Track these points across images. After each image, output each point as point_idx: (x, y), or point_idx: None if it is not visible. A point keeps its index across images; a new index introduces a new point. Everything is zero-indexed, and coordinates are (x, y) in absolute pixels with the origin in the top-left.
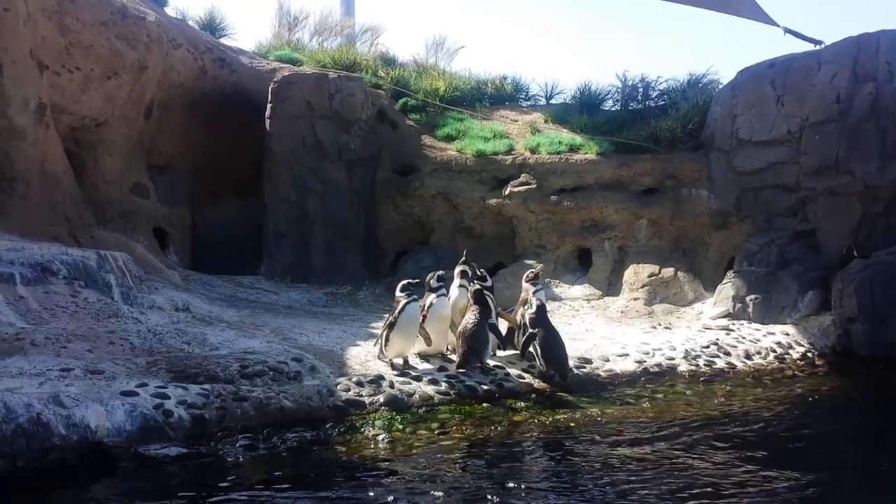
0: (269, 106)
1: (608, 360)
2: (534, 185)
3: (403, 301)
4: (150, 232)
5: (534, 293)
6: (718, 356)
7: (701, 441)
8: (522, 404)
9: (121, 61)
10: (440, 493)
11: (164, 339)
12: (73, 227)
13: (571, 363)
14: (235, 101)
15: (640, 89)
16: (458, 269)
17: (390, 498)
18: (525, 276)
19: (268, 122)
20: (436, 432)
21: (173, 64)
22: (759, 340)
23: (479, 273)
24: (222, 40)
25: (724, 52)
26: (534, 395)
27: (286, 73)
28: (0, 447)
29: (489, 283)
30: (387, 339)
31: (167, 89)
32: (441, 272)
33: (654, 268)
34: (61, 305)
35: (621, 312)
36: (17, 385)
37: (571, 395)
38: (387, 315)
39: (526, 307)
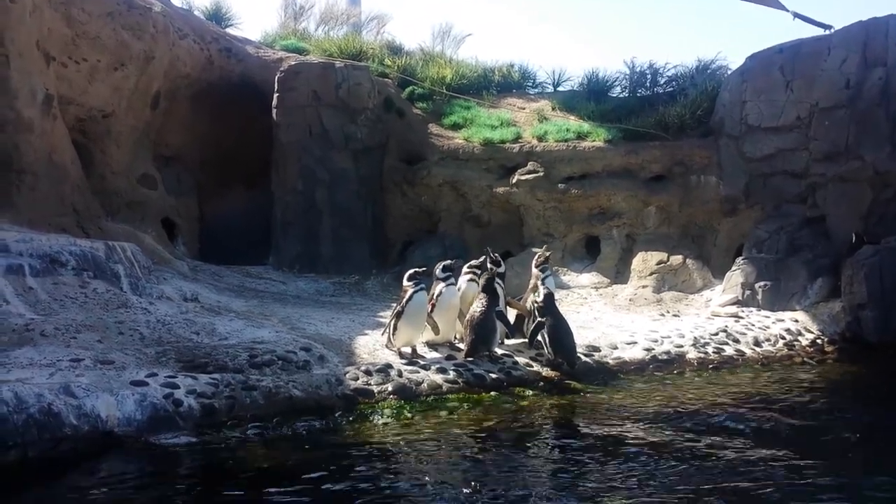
0: (275, 96)
1: (616, 348)
2: (541, 173)
3: (411, 290)
4: (157, 223)
5: (543, 280)
6: (727, 343)
7: (708, 428)
8: (531, 392)
9: (127, 52)
10: (449, 480)
11: (174, 330)
12: (81, 218)
13: (580, 351)
14: (242, 91)
15: (648, 76)
16: (467, 268)
17: (399, 485)
18: (535, 261)
19: (274, 111)
20: (444, 420)
21: (179, 54)
22: (768, 327)
23: (493, 257)
24: (228, 30)
25: (732, 37)
26: (542, 384)
27: (292, 63)
28: (12, 437)
29: (503, 269)
30: (395, 328)
31: (174, 80)
32: (448, 262)
33: (663, 255)
34: (70, 296)
35: (629, 300)
36: (27, 376)
37: (580, 382)
38: (395, 304)
39: (536, 294)
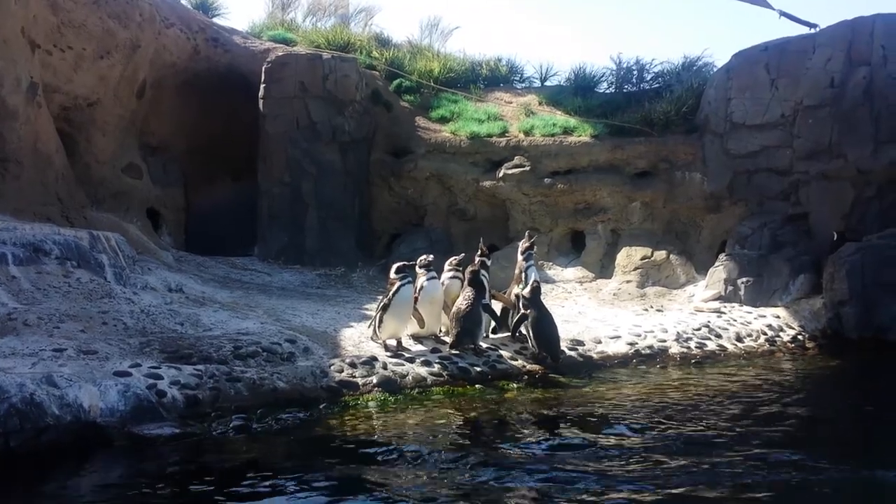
0: (262, 86)
1: (600, 343)
2: (527, 168)
3: (398, 283)
4: (143, 213)
5: (526, 269)
6: (710, 338)
7: (689, 420)
8: (515, 385)
9: (113, 40)
10: (432, 470)
11: (158, 320)
12: (65, 207)
13: (563, 345)
14: (229, 81)
15: (635, 72)
16: (448, 265)
17: (383, 475)
18: (520, 248)
19: (261, 102)
20: (428, 412)
21: (166, 43)
22: (750, 323)
23: (484, 250)
24: (215, 20)
25: (718, 35)
26: (526, 377)
27: (279, 54)
28: None
29: (489, 261)
30: (381, 321)
31: (160, 69)
32: (428, 257)
33: (647, 251)
34: (54, 286)
35: (613, 295)
36: (9, 365)
37: (563, 376)
38: (380, 297)
39: (520, 285)
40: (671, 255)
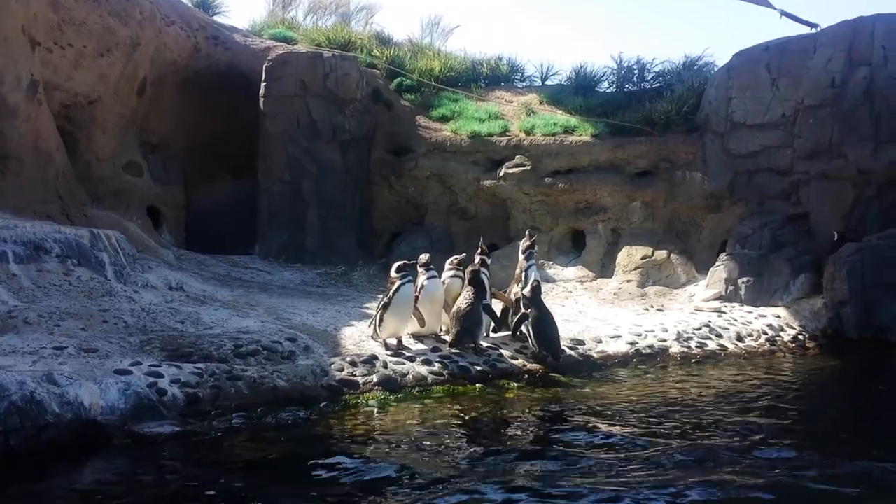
0: (263, 85)
1: (600, 342)
2: (528, 167)
3: (398, 282)
4: (143, 211)
5: (527, 269)
6: (710, 338)
7: (689, 421)
8: (515, 385)
9: (113, 38)
10: (433, 471)
11: (158, 318)
12: (65, 205)
13: (564, 344)
14: (229, 79)
15: (636, 71)
16: (449, 263)
17: (383, 475)
18: (521, 247)
19: (262, 101)
20: (428, 411)
21: (166, 41)
22: (750, 323)
23: (483, 249)
24: (216, 18)
25: (719, 34)
26: (526, 376)
27: (280, 52)
28: None
29: (489, 261)
30: (381, 320)
31: (160, 67)
32: (426, 256)
33: (648, 250)
34: (54, 284)
35: (614, 294)
36: (9, 363)
37: (563, 376)
38: (381, 296)
39: (521, 285)
40: (672, 255)
